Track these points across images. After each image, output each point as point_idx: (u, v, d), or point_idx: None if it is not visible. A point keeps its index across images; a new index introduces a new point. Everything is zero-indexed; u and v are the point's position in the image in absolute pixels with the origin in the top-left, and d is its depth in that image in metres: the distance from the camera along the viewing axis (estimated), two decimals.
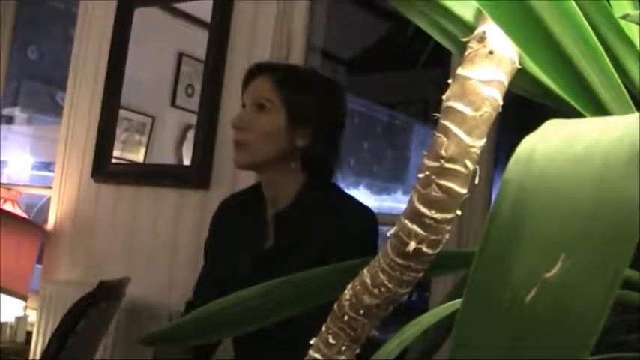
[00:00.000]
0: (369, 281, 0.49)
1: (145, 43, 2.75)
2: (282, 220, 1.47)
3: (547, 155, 0.37)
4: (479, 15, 0.48)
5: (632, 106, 0.49)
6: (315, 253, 1.36)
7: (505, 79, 0.46)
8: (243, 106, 1.50)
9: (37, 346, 2.59)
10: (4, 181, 3.41)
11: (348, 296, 0.51)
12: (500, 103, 0.46)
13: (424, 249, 0.47)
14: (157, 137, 2.76)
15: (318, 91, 1.51)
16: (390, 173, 5.14)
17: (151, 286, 2.42)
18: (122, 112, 2.74)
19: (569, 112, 0.51)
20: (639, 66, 0.50)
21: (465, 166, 0.45)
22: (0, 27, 3.36)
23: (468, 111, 0.45)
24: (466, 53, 0.46)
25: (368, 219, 1.45)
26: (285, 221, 1.46)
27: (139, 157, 2.81)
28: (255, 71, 1.52)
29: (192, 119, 2.49)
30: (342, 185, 1.58)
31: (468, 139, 0.45)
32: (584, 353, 0.30)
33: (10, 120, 4.01)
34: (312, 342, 0.53)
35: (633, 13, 0.45)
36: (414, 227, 0.46)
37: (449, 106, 0.46)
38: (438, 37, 0.54)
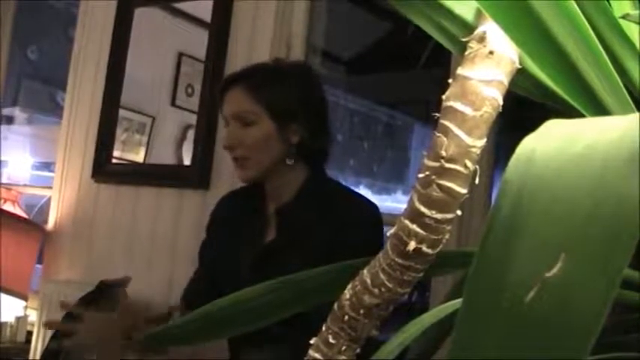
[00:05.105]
0: (369, 281, 0.50)
1: (145, 43, 2.74)
2: (285, 213, 1.46)
3: (547, 155, 0.37)
4: (479, 15, 0.48)
5: (633, 105, 0.49)
6: (320, 247, 1.36)
7: (505, 79, 0.46)
8: (227, 124, 1.48)
9: (37, 346, 2.59)
10: (4, 181, 3.41)
11: (348, 296, 0.51)
12: (501, 103, 0.46)
13: (424, 249, 0.47)
14: (156, 137, 2.76)
15: (294, 82, 1.47)
16: (390, 173, 5.15)
17: (151, 286, 2.42)
18: (122, 112, 2.74)
19: (570, 112, 0.51)
20: (639, 66, 0.50)
21: (465, 166, 0.45)
22: (0, 27, 3.36)
23: (468, 111, 0.45)
24: (466, 53, 0.46)
25: (372, 213, 1.44)
26: (288, 215, 1.46)
27: (139, 157, 2.81)
28: (226, 85, 1.48)
29: (192, 119, 2.49)
30: None
31: (468, 139, 0.45)
32: (584, 353, 0.30)
33: (10, 120, 4.00)
34: (312, 342, 0.53)
35: (633, 13, 0.45)
36: (414, 227, 0.46)
37: (449, 105, 0.46)
38: (438, 37, 0.54)
